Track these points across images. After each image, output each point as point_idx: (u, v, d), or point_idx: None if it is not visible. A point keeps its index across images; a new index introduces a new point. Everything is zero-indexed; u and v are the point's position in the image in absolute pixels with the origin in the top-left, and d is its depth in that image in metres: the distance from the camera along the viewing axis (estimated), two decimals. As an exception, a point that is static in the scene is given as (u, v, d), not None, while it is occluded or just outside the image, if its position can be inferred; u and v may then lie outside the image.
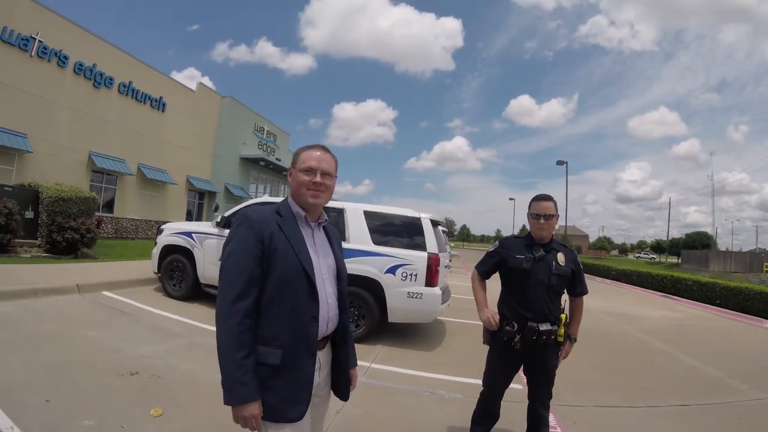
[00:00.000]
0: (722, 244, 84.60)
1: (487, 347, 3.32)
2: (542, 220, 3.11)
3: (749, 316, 13.18)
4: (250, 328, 1.71)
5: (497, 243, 3.43)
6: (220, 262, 1.84)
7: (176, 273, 8.32)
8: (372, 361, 5.74)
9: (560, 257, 3.16)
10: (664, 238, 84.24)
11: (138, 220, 23.64)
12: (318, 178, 1.90)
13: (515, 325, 3.06)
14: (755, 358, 7.91)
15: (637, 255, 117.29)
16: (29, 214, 12.02)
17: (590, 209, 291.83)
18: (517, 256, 3.14)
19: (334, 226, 6.75)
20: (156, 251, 8.60)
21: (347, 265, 6.72)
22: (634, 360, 7.20)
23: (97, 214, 14.06)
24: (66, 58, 19.13)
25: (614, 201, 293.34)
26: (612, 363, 6.88)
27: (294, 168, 1.95)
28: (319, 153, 1.94)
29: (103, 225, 14.33)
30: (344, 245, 6.58)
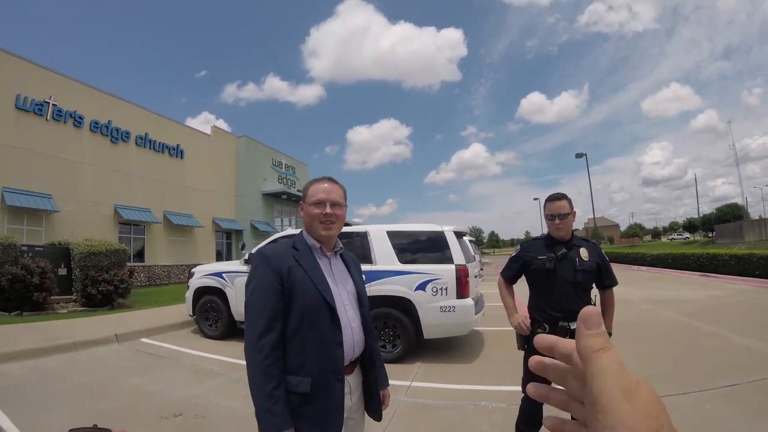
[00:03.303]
0: (754, 212, 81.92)
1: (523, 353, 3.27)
2: (557, 220, 3.11)
3: (792, 281, 12.77)
4: (277, 360, 1.77)
5: (519, 247, 3.44)
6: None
7: (211, 313, 8.44)
8: (412, 380, 5.70)
9: (583, 252, 3.13)
10: (696, 216, 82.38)
11: (169, 266, 24.01)
12: (328, 210, 1.95)
13: (546, 327, 3.05)
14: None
15: (671, 237, 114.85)
16: (62, 271, 12.35)
17: (617, 197, 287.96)
18: (540, 258, 3.14)
19: (359, 249, 6.81)
20: (189, 294, 8.74)
21: (377, 287, 6.74)
22: (680, 345, 7.02)
23: (128, 264, 14.36)
24: (81, 117, 19.68)
25: (640, 186, 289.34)
26: (657, 351, 6.72)
27: (305, 202, 2.01)
28: (326, 185, 2.01)
29: (135, 274, 14.61)
30: (371, 267, 6.66)
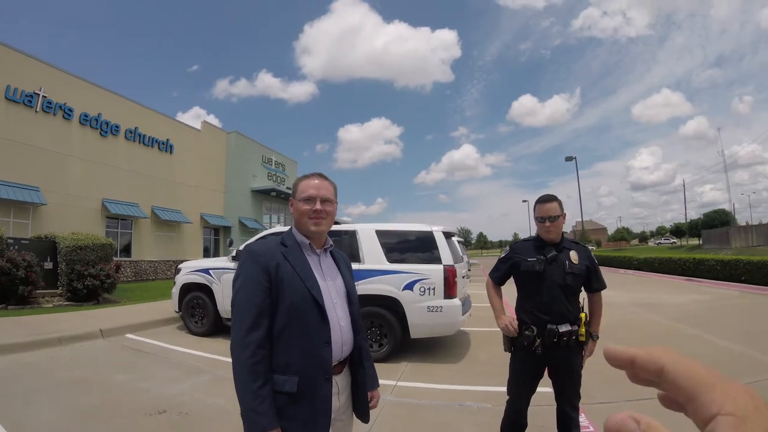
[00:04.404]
0: (741, 218, 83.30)
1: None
2: (548, 223, 3.07)
3: (777, 288, 12.91)
4: (264, 358, 1.74)
5: (508, 248, 3.40)
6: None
7: (197, 310, 8.39)
8: (398, 380, 5.72)
9: (573, 255, 3.11)
10: (683, 221, 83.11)
11: (156, 261, 23.87)
12: (318, 206, 1.93)
13: (534, 329, 3.02)
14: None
15: (657, 242, 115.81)
16: (48, 265, 12.21)
17: (605, 201, 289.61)
18: (529, 260, 3.11)
19: (348, 248, 6.80)
20: (175, 290, 8.70)
21: (365, 286, 6.72)
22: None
23: (115, 259, 14.28)
24: (71, 110, 19.54)
25: (628, 190, 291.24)
26: (642, 354, 6.75)
27: (294, 198, 1.99)
28: (317, 181, 1.98)
29: (122, 269, 14.48)
30: (359, 266, 6.66)
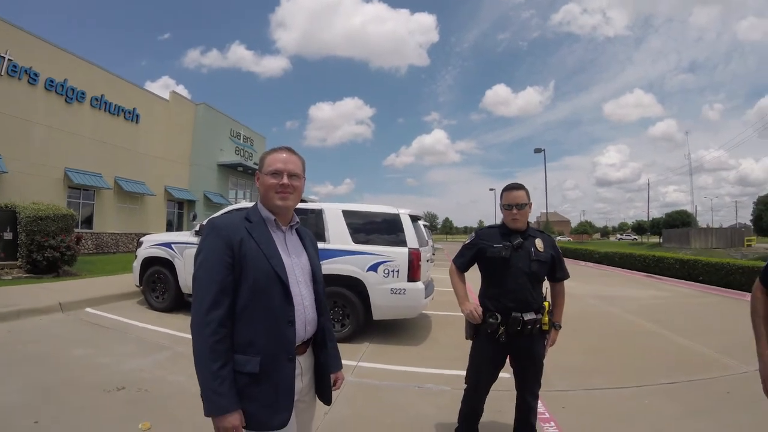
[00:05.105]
0: (703, 221, 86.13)
1: None
2: (515, 210, 3.07)
3: (732, 290, 13.30)
4: (225, 337, 1.69)
5: (473, 234, 3.38)
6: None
7: (158, 285, 8.29)
8: (359, 360, 5.78)
9: (539, 243, 3.12)
10: (645, 219, 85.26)
11: (118, 234, 23.42)
12: (285, 180, 1.88)
13: (498, 316, 3.01)
14: (740, 332, 7.99)
15: (619, 237, 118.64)
16: (7, 236, 11.84)
17: (570, 194, 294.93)
18: (495, 246, 3.09)
19: (313, 227, 6.79)
20: (137, 264, 8.56)
21: (329, 266, 6.72)
22: (622, 341, 7.29)
23: (76, 230, 13.92)
24: (36, 75, 18.91)
25: (594, 185, 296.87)
26: (600, 346, 6.96)
27: (261, 172, 1.93)
28: (285, 155, 1.93)
29: (83, 241, 14.17)
30: (324, 246, 6.67)
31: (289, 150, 1.97)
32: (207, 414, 1.65)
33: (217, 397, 1.63)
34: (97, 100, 22.11)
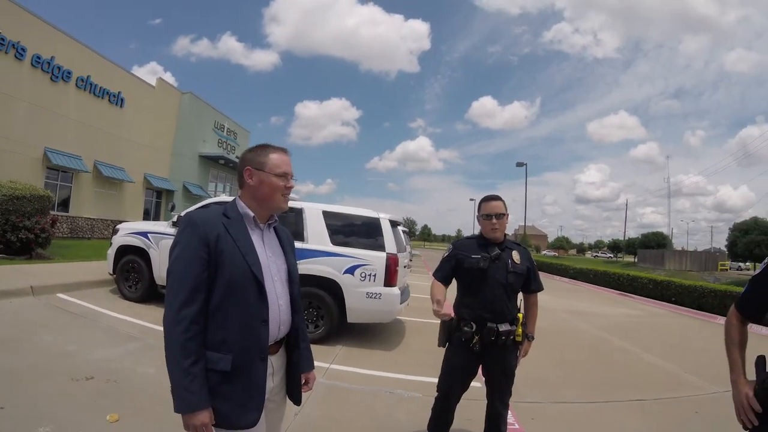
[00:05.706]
0: (678, 244, 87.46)
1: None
2: (494, 220, 3.09)
3: (704, 313, 13.62)
4: (197, 334, 1.68)
5: (451, 246, 3.40)
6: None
7: (132, 274, 8.17)
8: (331, 362, 5.79)
9: (515, 255, 3.15)
10: (621, 238, 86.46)
11: (94, 219, 23.09)
12: (292, 183, 1.93)
13: (473, 325, 3.02)
14: (710, 353, 8.16)
15: (594, 254, 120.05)
16: (-18, 215, 11.62)
17: (549, 210, 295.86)
18: (473, 257, 3.11)
19: (293, 225, 6.78)
20: (111, 252, 8.43)
21: (306, 266, 6.68)
22: (593, 357, 7.43)
23: (51, 212, 13.70)
24: (24, 50, 18.53)
25: (573, 202, 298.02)
26: (571, 360, 7.09)
27: (263, 171, 1.89)
28: (288, 158, 1.96)
29: (58, 224, 13.96)
30: (302, 245, 6.67)
31: (288, 152, 2.00)
32: (177, 410, 1.65)
33: (188, 395, 1.62)
34: (83, 80, 21.78)
